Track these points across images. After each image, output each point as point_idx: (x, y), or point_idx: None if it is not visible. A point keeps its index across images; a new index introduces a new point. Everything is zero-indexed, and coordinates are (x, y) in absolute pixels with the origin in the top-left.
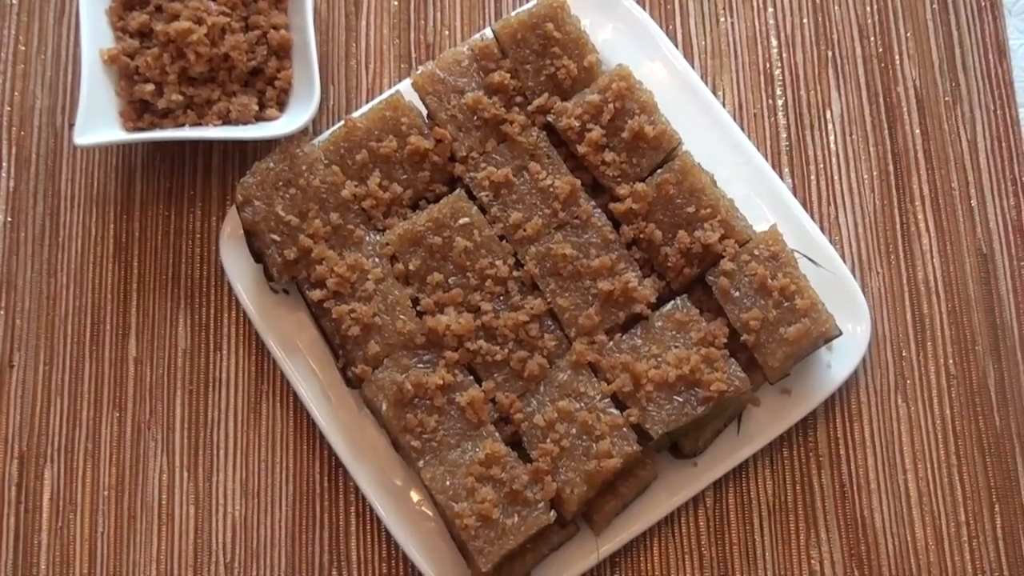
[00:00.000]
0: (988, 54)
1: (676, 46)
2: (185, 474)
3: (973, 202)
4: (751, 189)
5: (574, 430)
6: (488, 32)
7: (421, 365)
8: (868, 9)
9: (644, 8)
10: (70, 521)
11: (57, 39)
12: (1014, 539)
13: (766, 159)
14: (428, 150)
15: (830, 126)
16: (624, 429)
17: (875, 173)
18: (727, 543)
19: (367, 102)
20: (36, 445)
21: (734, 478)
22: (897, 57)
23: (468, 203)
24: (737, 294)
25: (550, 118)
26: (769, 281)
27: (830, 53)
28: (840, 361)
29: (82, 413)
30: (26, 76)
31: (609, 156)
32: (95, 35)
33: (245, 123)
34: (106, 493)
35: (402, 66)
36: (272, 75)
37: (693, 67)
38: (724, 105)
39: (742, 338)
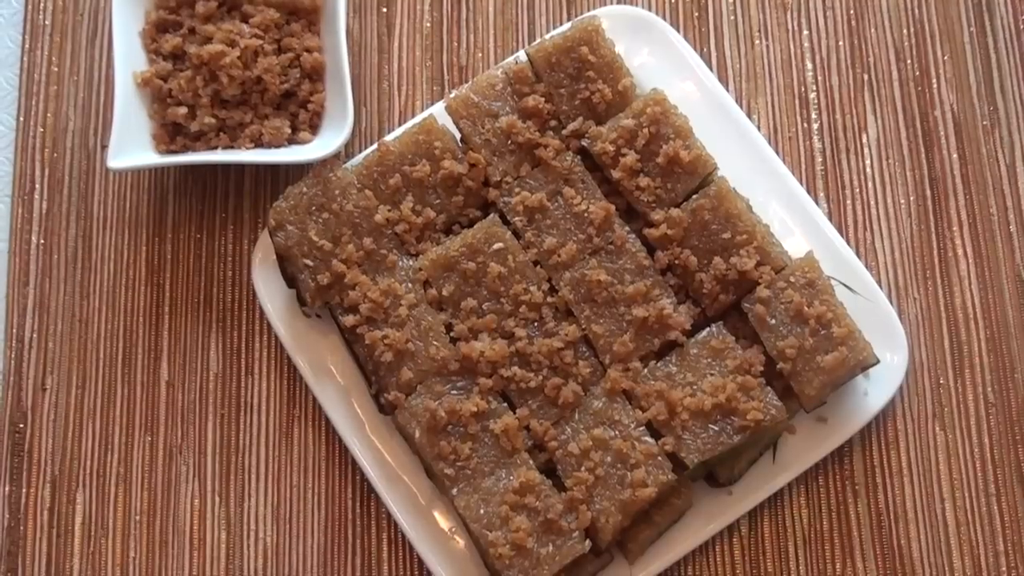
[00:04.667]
0: None
1: (711, 69)
2: (217, 499)
3: (1012, 227)
4: (786, 214)
5: (609, 458)
6: (522, 55)
7: (455, 392)
8: (905, 32)
9: (679, 31)
10: (102, 546)
11: (90, 61)
12: None
13: (801, 183)
14: (462, 174)
15: (866, 150)
16: (659, 458)
17: (912, 198)
18: (762, 572)
19: (400, 125)
20: (68, 469)
21: (769, 507)
22: (934, 80)
23: (502, 228)
24: (773, 322)
25: (585, 143)
26: (806, 309)
27: (866, 76)
28: (877, 388)
29: (114, 437)
30: (59, 97)
31: (644, 181)
32: (128, 57)
33: (278, 146)
34: (138, 518)
35: (435, 89)
36: (305, 98)
37: (728, 90)
38: (759, 129)
39: (778, 366)
